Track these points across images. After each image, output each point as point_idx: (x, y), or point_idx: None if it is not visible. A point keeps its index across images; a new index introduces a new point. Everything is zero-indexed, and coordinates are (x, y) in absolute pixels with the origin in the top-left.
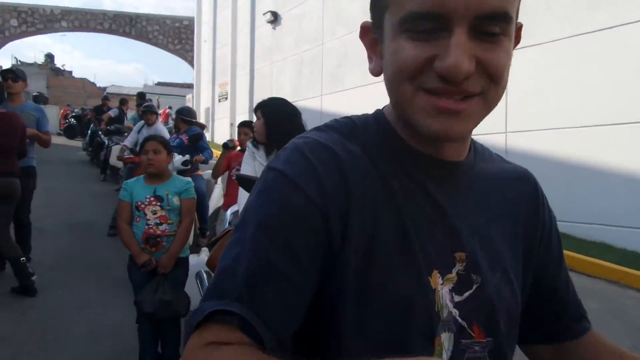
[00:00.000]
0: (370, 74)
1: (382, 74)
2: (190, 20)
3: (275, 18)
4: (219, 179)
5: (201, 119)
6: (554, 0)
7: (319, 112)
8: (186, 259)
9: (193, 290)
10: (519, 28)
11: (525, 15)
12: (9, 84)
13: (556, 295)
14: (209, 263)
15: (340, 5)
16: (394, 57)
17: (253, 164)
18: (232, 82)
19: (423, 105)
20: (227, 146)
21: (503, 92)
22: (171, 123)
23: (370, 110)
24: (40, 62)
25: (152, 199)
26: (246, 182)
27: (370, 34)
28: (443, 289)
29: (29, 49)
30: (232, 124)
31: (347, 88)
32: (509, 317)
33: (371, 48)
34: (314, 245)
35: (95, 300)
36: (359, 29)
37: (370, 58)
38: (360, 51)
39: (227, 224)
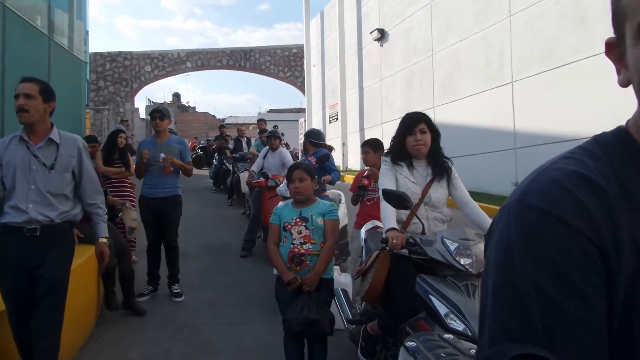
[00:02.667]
0: (482, 82)
1: (631, 83)
2: (299, 48)
3: (382, 35)
4: (343, 198)
5: None
6: None
7: None
8: (331, 280)
9: (332, 309)
10: None
11: None
12: (157, 123)
13: None
14: (368, 295)
15: (450, 13)
16: (636, 63)
17: (393, 178)
18: (342, 103)
19: None
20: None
21: None
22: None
23: (489, 117)
24: (169, 101)
25: (297, 219)
26: (393, 197)
27: (615, 49)
28: None
29: (158, 90)
30: (343, 144)
31: (460, 97)
32: None
33: (618, 62)
34: (599, 285)
35: (237, 317)
36: (471, 36)
37: (618, 71)
38: (473, 58)
39: (363, 242)
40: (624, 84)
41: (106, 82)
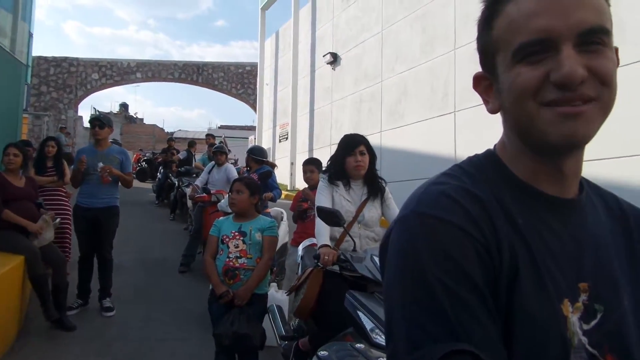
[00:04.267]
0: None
1: (500, 111)
2: (253, 66)
3: (334, 59)
4: (285, 216)
5: None
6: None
7: (378, 148)
8: (264, 296)
9: (266, 325)
10: (616, 50)
11: None
12: (96, 131)
13: None
14: (300, 311)
15: (399, 42)
16: (514, 83)
17: (329, 196)
18: (293, 123)
19: (547, 118)
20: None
21: (615, 97)
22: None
23: (433, 143)
24: (115, 111)
25: (236, 233)
26: (326, 215)
27: (483, 82)
28: (573, 316)
29: (106, 100)
30: (292, 163)
31: (407, 123)
32: None
33: (485, 93)
34: (490, 281)
35: (170, 332)
36: (418, 65)
37: (486, 102)
38: (419, 86)
39: (299, 259)
40: (493, 111)
41: (49, 88)
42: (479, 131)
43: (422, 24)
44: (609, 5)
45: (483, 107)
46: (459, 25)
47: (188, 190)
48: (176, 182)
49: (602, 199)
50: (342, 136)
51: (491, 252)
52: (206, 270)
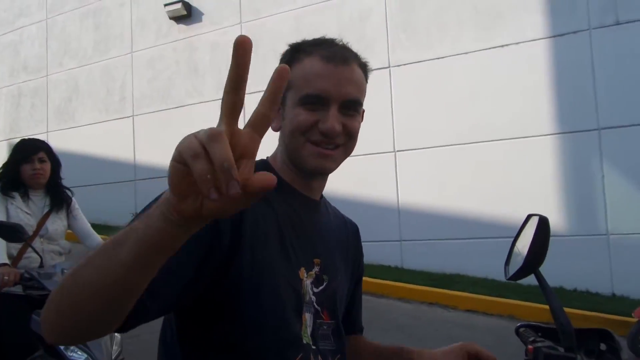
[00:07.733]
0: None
1: (280, 130)
2: None
3: None
4: None
5: None
6: None
7: None
8: None
9: None
10: (363, 112)
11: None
12: None
13: (353, 311)
14: None
15: (68, 35)
16: (294, 119)
17: (4, 209)
18: None
19: (310, 151)
20: None
21: (355, 145)
22: None
23: (111, 147)
24: None
25: None
26: (4, 230)
27: None
28: (307, 280)
29: None
30: None
31: (80, 125)
32: (343, 309)
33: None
34: (196, 249)
35: None
36: (91, 64)
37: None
38: (93, 86)
39: None
40: (275, 129)
41: None
42: (159, 137)
43: (95, 20)
44: (367, 81)
45: (162, 113)
46: (136, 28)
47: None
48: None
49: (331, 208)
50: None
51: (222, 232)
52: None
